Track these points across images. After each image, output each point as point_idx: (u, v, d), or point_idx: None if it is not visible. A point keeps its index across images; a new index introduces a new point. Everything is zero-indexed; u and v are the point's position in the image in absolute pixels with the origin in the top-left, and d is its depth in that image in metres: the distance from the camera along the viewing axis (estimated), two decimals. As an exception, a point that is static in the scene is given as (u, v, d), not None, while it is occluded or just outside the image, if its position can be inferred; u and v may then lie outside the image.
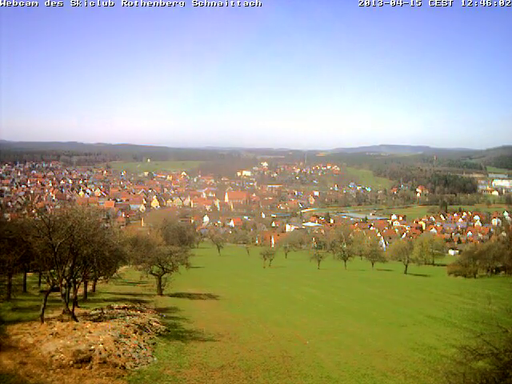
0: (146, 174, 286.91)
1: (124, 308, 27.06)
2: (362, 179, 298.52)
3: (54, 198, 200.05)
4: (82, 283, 30.68)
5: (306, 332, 25.00)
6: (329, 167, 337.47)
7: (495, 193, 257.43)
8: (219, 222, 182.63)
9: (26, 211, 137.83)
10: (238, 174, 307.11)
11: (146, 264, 38.77)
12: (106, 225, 44.88)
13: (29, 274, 35.05)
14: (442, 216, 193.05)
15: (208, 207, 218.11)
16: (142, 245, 48.64)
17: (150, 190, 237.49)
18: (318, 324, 27.53)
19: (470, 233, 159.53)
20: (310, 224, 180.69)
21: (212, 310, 30.78)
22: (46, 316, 22.87)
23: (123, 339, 19.79)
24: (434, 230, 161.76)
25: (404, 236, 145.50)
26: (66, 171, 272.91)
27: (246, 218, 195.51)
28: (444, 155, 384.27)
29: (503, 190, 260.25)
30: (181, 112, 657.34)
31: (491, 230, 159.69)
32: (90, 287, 34.35)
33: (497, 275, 70.03)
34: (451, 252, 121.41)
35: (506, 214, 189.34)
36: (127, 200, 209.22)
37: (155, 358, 18.43)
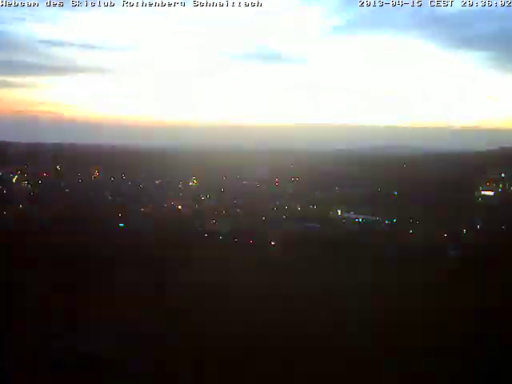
0: (145, 175, 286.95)
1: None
2: (362, 180, 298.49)
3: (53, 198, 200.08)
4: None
5: (306, 333, 25.09)
6: (328, 168, 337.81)
7: (493, 193, 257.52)
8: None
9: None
10: (238, 174, 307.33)
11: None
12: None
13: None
14: (441, 217, 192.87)
15: (207, 208, 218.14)
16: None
17: (149, 191, 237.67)
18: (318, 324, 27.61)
19: (469, 234, 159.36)
20: (309, 225, 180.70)
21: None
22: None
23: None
24: (433, 231, 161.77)
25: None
26: (66, 172, 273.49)
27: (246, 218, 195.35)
28: (443, 156, 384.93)
29: (501, 191, 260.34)
30: (181, 112, 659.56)
31: (491, 231, 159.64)
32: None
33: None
34: (451, 253, 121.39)
35: (505, 215, 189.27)
36: (127, 201, 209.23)
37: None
